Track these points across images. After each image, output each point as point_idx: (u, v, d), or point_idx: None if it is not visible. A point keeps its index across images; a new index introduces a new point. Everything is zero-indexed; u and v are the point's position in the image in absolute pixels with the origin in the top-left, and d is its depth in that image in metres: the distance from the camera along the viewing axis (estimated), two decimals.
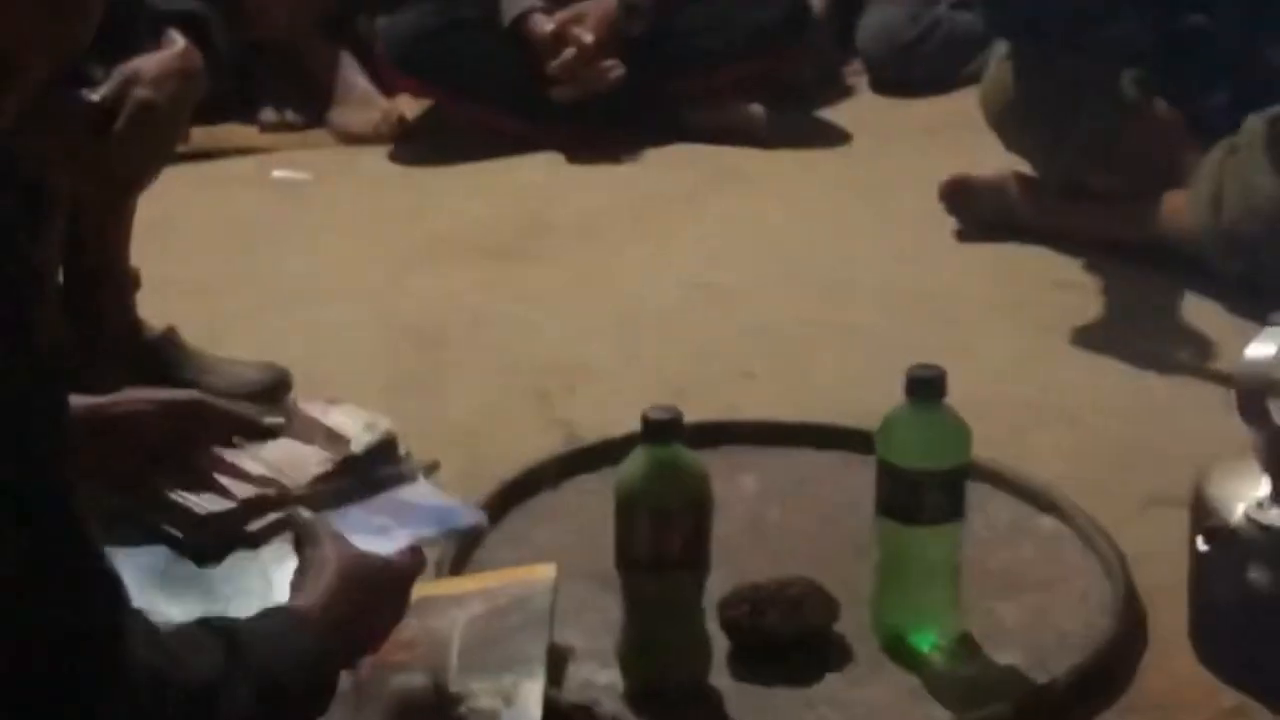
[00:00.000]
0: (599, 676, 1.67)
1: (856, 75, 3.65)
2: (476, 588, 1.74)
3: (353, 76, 3.41)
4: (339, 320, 2.53)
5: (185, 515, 1.44)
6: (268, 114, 3.40)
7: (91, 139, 1.98)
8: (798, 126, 3.35)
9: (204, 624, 1.22)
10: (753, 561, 1.84)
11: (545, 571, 1.74)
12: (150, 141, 2.02)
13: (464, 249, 2.81)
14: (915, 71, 3.56)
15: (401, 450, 1.56)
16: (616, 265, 2.74)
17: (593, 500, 1.93)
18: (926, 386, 1.66)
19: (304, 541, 1.37)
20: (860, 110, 3.49)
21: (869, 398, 1.98)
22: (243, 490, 1.45)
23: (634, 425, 1.63)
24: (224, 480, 1.44)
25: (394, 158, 3.28)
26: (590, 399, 2.26)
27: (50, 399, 1.06)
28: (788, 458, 2.09)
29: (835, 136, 3.33)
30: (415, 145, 3.32)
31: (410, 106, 3.45)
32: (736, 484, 2.02)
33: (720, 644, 1.69)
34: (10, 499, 1.01)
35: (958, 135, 3.13)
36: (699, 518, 1.59)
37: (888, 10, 3.61)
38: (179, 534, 1.43)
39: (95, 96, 1.96)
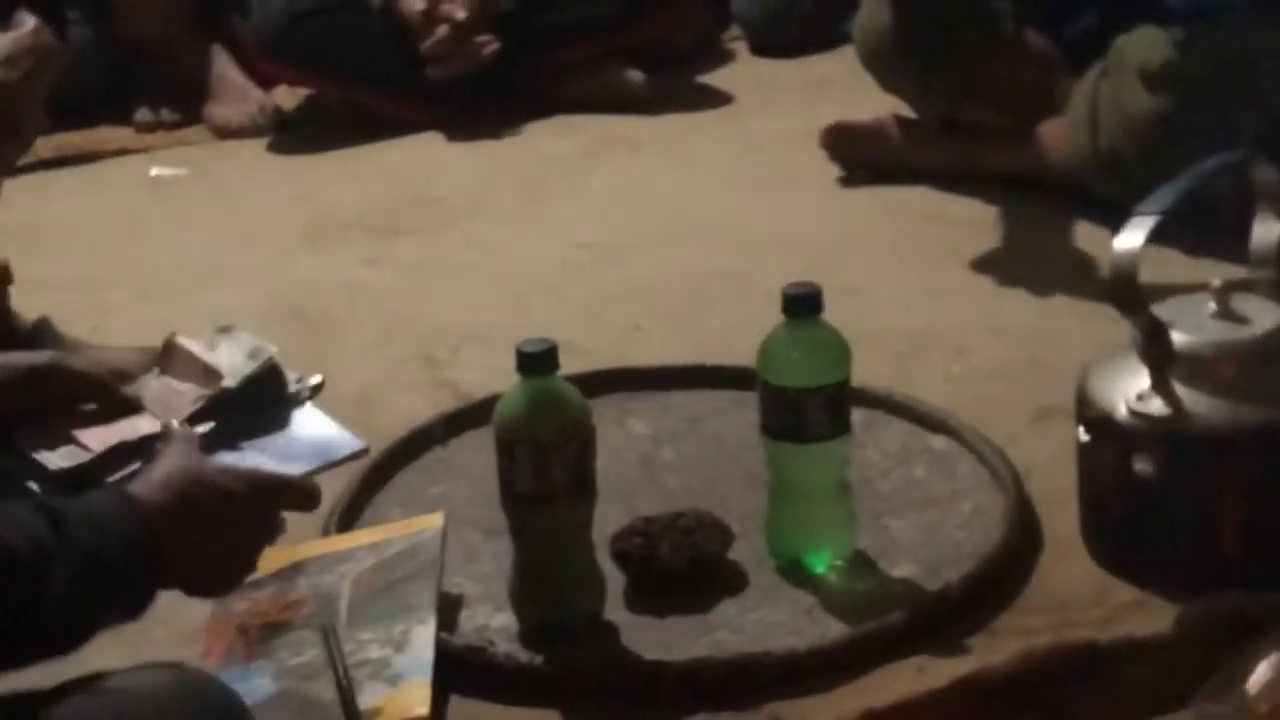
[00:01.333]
0: (494, 620, 1.66)
1: (735, 40, 3.65)
2: (364, 542, 1.71)
3: (226, 71, 3.37)
4: (222, 305, 2.47)
5: (40, 472, 1.41)
6: (143, 114, 3.35)
7: None
8: (679, 92, 3.33)
9: (29, 502, 1.15)
10: (646, 499, 1.83)
11: (433, 520, 1.72)
12: (7, 122, 1.97)
13: (346, 229, 2.78)
14: (792, 33, 3.56)
15: (291, 375, 1.51)
16: (502, 234, 2.72)
17: (481, 455, 1.91)
18: (801, 303, 1.65)
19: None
20: (741, 73, 3.48)
21: (758, 340, 1.97)
22: (100, 442, 1.41)
23: None
24: (82, 434, 1.41)
25: (272, 148, 3.24)
26: (477, 361, 2.23)
27: None
28: (678, 400, 2.08)
29: (717, 99, 3.32)
30: (293, 135, 3.28)
31: (287, 98, 3.41)
32: (627, 428, 2.01)
33: (615, 579, 1.68)
34: None
35: (838, 91, 3.13)
36: (580, 446, 1.58)
37: None
38: (36, 490, 1.40)
39: None
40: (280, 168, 3.15)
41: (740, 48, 3.61)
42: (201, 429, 1.43)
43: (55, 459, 1.40)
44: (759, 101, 3.29)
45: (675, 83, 3.34)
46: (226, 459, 1.43)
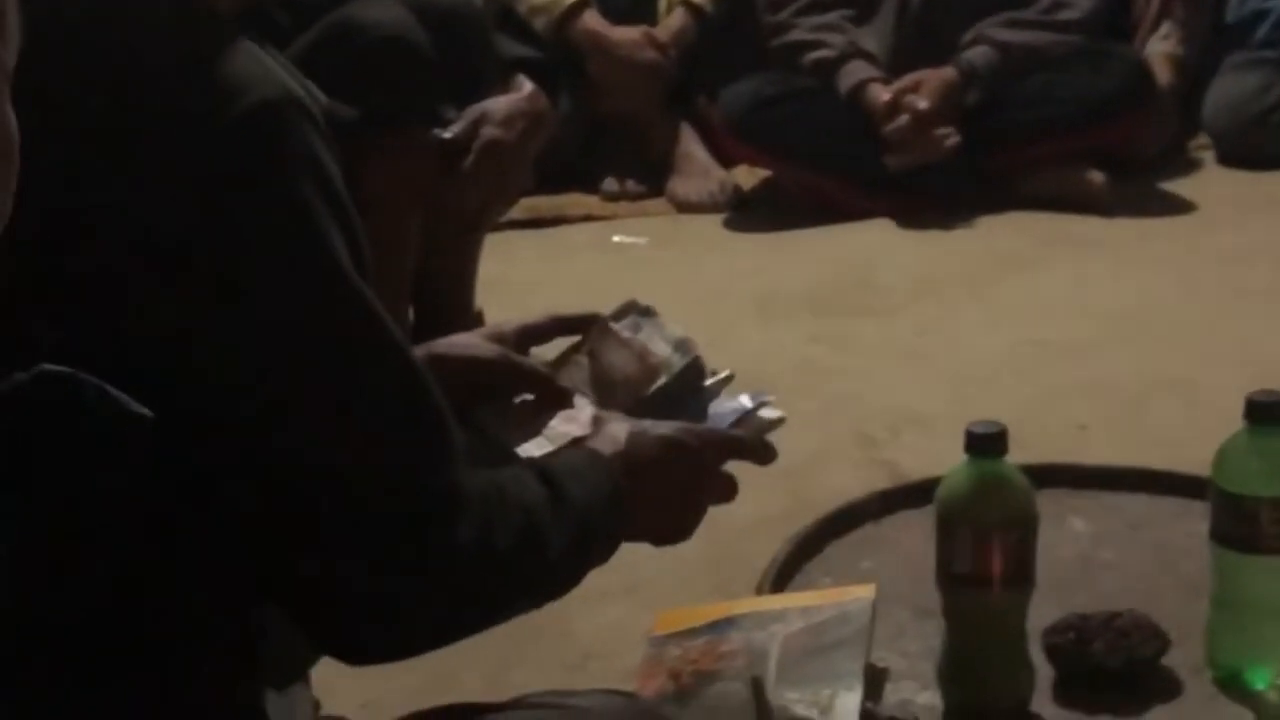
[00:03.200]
0: (919, 697, 1.65)
1: (1203, 148, 3.57)
2: (796, 605, 1.74)
3: (692, 148, 3.50)
4: None
5: (505, 455, 1.42)
6: (609, 184, 3.52)
7: (442, 175, 2.09)
8: (1139, 196, 3.29)
9: (525, 468, 1.22)
10: (1081, 597, 1.79)
11: (864, 592, 1.73)
12: (497, 178, 2.11)
13: (795, 306, 2.84)
14: (1265, 145, 3.45)
15: (707, 370, 1.52)
16: (947, 321, 2.73)
17: (914, 534, 1.92)
18: (1266, 410, 1.60)
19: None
20: (1206, 182, 3.41)
21: (1207, 451, 1.92)
22: (564, 436, 1.44)
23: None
24: (546, 427, 1.44)
25: (728, 225, 3.35)
26: (916, 443, 2.25)
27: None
28: (1120, 502, 2.03)
29: (1179, 206, 3.26)
30: (749, 213, 3.39)
31: (746, 178, 3.53)
32: (1066, 525, 1.98)
33: (1045, 673, 1.66)
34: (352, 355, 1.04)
35: None
36: (1023, 533, 1.57)
37: (1236, 82, 3.52)
38: None
39: (447, 134, 2.07)
40: (734, 243, 3.25)
41: (1207, 157, 3.54)
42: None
43: (530, 448, 1.43)
44: (1222, 212, 3.21)
45: (1136, 187, 3.30)
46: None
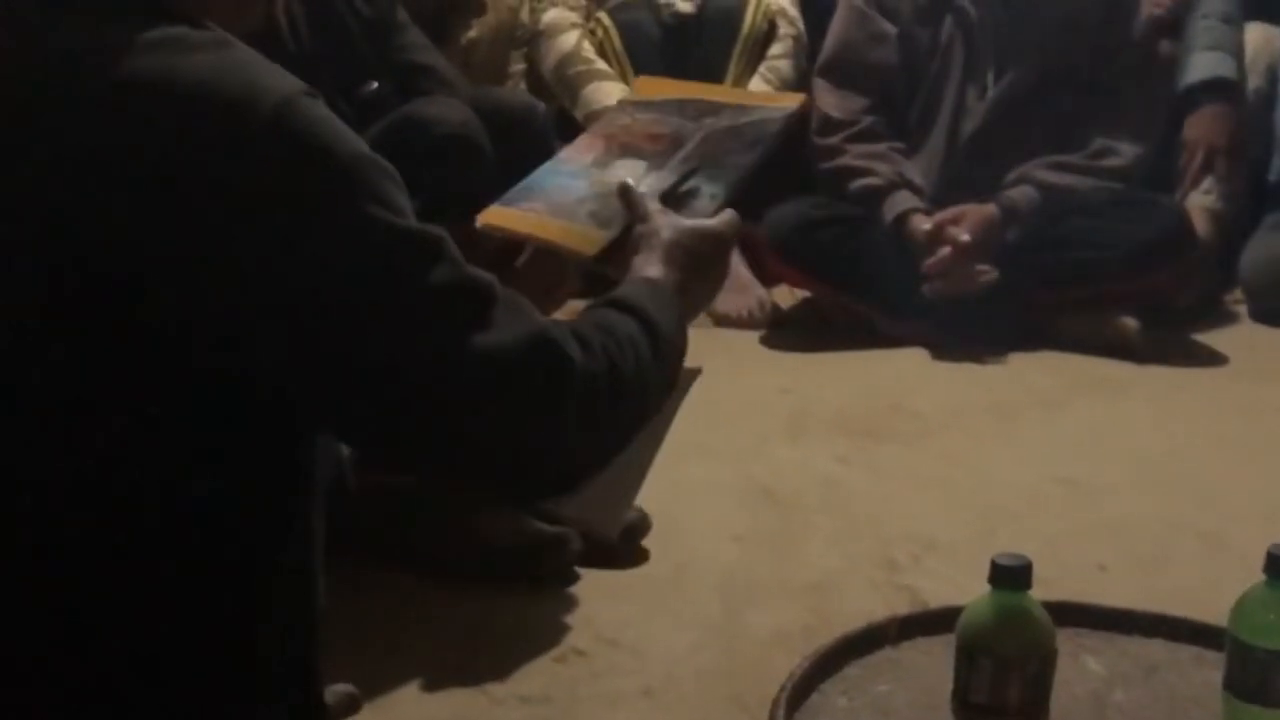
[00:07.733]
0: None
1: (1237, 302, 3.61)
2: (734, 101, 1.75)
3: (734, 265, 3.54)
4: (702, 477, 2.62)
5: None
6: None
7: (495, 271, 2.13)
8: (1172, 345, 3.32)
9: (624, 314, 1.37)
10: None
11: (791, 101, 1.75)
12: (547, 278, 2.15)
13: (825, 426, 2.87)
14: None
15: None
16: (974, 453, 2.76)
17: (932, 661, 1.94)
18: None
19: (632, 214, 1.52)
20: (1238, 336, 3.44)
21: (1226, 601, 1.94)
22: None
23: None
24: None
25: (765, 342, 3.39)
26: (937, 570, 2.27)
27: None
28: (1136, 645, 2.05)
29: (1210, 358, 3.29)
30: (786, 332, 3.43)
31: (785, 297, 3.57)
32: (1081, 664, 1.99)
33: None
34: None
35: None
36: (1041, 666, 1.59)
37: (1273, 240, 3.56)
38: None
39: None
40: (770, 360, 3.29)
41: (1241, 311, 3.57)
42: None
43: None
44: (1255, 367, 3.24)
45: (1170, 336, 3.34)
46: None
